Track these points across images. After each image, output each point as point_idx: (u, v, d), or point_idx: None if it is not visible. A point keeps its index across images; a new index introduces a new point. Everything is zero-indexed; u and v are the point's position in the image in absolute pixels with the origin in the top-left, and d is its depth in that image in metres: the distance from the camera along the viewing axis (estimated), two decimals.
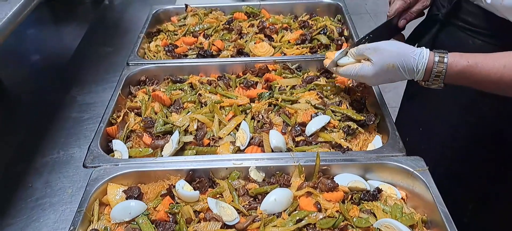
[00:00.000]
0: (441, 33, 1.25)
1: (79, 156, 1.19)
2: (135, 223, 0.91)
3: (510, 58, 0.94)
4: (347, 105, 1.20)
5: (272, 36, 1.56)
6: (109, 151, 1.14)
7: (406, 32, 1.31)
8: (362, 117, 1.15)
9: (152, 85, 1.37)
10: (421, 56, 1.00)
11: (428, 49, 1.01)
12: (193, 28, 1.63)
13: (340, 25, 1.61)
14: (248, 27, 1.62)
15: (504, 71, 0.93)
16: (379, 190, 0.99)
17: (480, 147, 1.27)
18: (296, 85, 1.30)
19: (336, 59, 1.14)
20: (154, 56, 1.52)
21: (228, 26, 1.62)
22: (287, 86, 1.30)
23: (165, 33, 1.64)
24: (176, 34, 1.62)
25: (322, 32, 1.53)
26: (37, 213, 1.03)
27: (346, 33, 1.57)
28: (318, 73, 1.36)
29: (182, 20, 1.72)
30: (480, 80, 0.97)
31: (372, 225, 0.89)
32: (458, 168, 1.30)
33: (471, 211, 1.35)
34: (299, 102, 1.22)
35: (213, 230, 0.89)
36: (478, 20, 1.12)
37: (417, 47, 1.03)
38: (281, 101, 1.21)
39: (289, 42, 1.52)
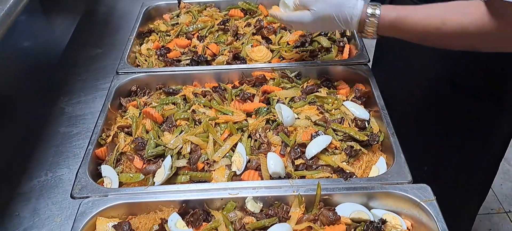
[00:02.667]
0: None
1: (68, 178, 1.13)
2: None
3: (435, 10, 1.01)
4: (349, 122, 1.14)
5: (270, 37, 1.47)
6: (98, 174, 1.08)
7: None
8: (366, 137, 1.09)
9: (143, 96, 1.30)
10: (355, 8, 1.08)
11: (362, 1, 1.09)
12: (187, 28, 1.55)
13: None
14: (244, 27, 1.54)
15: (429, 21, 1.00)
16: (383, 221, 0.93)
17: (431, 111, 1.34)
18: (295, 97, 1.23)
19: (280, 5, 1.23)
20: (146, 61, 1.44)
21: (223, 26, 1.53)
22: (285, 98, 1.22)
23: (157, 34, 1.56)
24: (169, 35, 1.54)
25: (322, 34, 1.44)
26: None
27: (348, 33, 1.49)
28: (319, 82, 1.28)
29: (175, 18, 1.63)
30: (408, 31, 1.04)
31: None
32: (414, 130, 1.33)
33: (426, 172, 1.33)
34: (298, 119, 1.15)
35: None
36: None
37: None
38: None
39: (288, 44, 1.44)
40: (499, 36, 0.93)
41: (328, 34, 1.45)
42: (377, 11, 1.06)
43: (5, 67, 1.55)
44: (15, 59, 1.63)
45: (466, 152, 1.37)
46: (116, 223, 0.94)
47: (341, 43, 1.43)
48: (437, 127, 1.36)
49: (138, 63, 1.45)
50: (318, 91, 1.24)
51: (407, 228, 0.95)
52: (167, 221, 0.93)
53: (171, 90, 1.28)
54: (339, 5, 1.09)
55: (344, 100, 1.21)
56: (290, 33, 1.48)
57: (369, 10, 1.06)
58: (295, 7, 1.18)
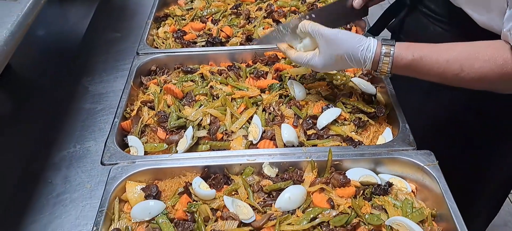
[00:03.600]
0: (408, 17, 1.27)
1: (95, 150, 1.21)
2: (155, 222, 0.95)
3: (453, 53, 0.97)
4: (358, 96, 1.22)
5: (280, 20, 1.55)
6: (124, 145, 1.17)
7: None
8: (373, 109, 1.17)
9: (162, 75, 1.38)
10: (368, 49, 1.03)
11: (376, 40, 1.04)
12: (201, 12, 1.63)
13: None
14: (256, 11, 1.61)
15: (446, 66, 0.97)
16: (390, 184, 1.02)
17: (450, 128, 1.31)
18: (306, 74, 1.31)
19: (287, 41, 1.17)
20: (163, 43, 1.52)
21: (235, 10, 1.61)
22: (297, 75, 1.30)
23: (173, 18, 1.64)
24: (184, 19, 1.62)
25: None
26: (59, 210, 1.06)
27: None
28: None
29: (189, 3, 1.71)
30: (424, 73, 1.01)
31: (383, 222, 0.93)
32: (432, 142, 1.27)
33: None
34: (309, 94, 1.23)
35: (230, 229, 0.92)
36: (438, 7, 1.16)
37: (370, 34, 1.10)
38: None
39: None
40: None
41: None
42: (392, 52, 1.01)
43: (28, 54, 1.64)
44: (36, 47, 1.71)
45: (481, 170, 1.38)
46: (144, 186, 1.02)
47: (348, 25, 1.51)
48: (454, 143, 1.34)
49: (156, 45, 1.53)
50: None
51: (412, 190, 1.03)
52: (191, 184, 1.01)
53: (189, 69, 1.37)
54: (351, 48, 1.03)
55: (352, 77, 1.28)
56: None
57: (384, 50, 1.02)
58: (304, 48, 1.13)
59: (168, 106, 1.23)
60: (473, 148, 1.34)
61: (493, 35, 0.99)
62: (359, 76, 1.29)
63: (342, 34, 1.06)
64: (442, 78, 0.99)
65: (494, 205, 1.61)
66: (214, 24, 1.56)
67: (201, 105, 1.22)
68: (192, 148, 1.12)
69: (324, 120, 1.13)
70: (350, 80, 1.27)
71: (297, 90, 1.22)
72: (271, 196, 1.00)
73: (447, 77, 0.98)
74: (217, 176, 1.04)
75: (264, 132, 1.14)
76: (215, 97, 1.24)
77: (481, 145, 1.33)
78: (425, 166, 1.01)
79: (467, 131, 1.31)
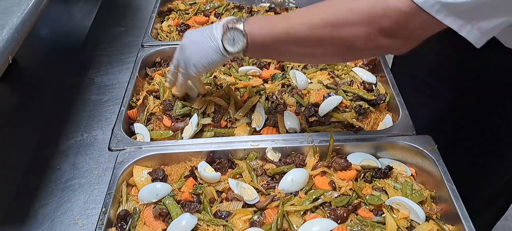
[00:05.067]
0: None
1: (102, 138, 1.24)
2: (162, 203, 0.97)
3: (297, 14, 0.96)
4: (358, 85, 1.25)
5: (283, 13, 1.58)
6: (131, 133, 1.20)
7: None
8: (373, 96, 1.20)
9: (167, 67, 1.41)
10: (216, 29, 1.01)
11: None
12: (204, 6, 1.66)
13: None
14: (258, 5, 1.65)
15: (307, 10, 0.93)
16: (390, 168, 1.04)
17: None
18: (307, 64, 1.34)
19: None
20: (167, 36, 1.55)
21: (238, 4, 1.64)
22: (299, 66, 1.33)
23: (177, 12, 1.67)
24: (187, 13, 1.65)
25: None
26: (68, 194, 1.09)
27: None
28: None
29: None
30: (281, 28, 0.95)
31: (384, 202, 0.95)
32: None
33: None
34: (311, 83, 1.26)
35: (235, 209, 0.95)
36: None
37: None
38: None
39: None
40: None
41: None
42: (240, 26, 0.97)
43: (34, 50, 1.67)
44: (42, 44, 1.75)
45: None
46: (151, 170, 1.05)
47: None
48: (454, 134, 1.34)
49: (160, 38, 1.56)
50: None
51: (412, 174, 1.06)
52: (196, 167, 1.04)
53: None
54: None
55: (353, 67, 1.31)
56: None
57: (233, 23, 0.98)
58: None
59: (173, 96, 1.26)
60: (474, 140, 1.36)
61: None
62: (359, 66, 1.32)
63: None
64: (302, 25, 0.92)
65: (501, 205, 1.62)
66: (217, 18, 1.60)
67: (205, 94, 1.25)
68: (197, 135, 1.15)
69: (325, 107, 1.16)
70: (351, 70, 1.29)
71: (299, 80, 1.24)
72: (274, 179, 1.03)
73: (291, 37, 0.93)
74: (221, 161, 1.07)
75: (267, 119, 1.17)
76: (219, 87, 1.27)
77: (483, 139, 1.34)
78: (424, 150, 1.04)
79: (464, 124, 1.33)
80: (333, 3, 0.91)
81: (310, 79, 1.28)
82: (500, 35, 0.98)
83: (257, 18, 1.05)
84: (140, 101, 1.25)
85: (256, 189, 0.99)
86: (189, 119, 1.16)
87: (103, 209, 0.97)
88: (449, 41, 0.98)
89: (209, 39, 1.02)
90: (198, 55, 1.05)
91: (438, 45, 1.19)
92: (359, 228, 0.91)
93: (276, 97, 1.23)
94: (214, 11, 1.63)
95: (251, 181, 1.02)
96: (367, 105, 1.18)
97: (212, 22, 1.58)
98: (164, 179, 1.03)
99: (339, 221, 0.92)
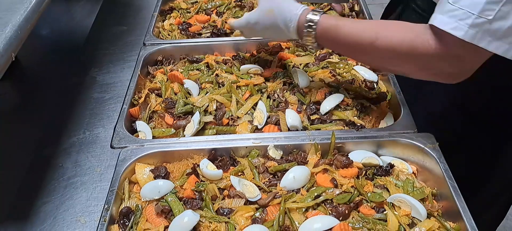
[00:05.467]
0: (404, 14, 1.29)
1: (104, 136, 1.24)
2: (164, 200, 0.98)
3: (371, 23, 1.01)
4: (360, 83, 1.25)
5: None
6: (133, 131, 1.20)
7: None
8: (375, 95, 1.20)
9: (169, 65, 1.41)
10: (297, 8, 1.08)
11: (306, 6, 1.09)
12: (205, 5, 1.66)
13: (351, 0, 1.64)
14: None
15: (363, 32, 1.00)
16: (391, 166, 1.05)
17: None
18: (309, 63, 1.34)
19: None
20: (169, 35, 1.56)
21: (239, 2, 1.65)
22: (300, 64, 1.34)
23: (178, 11, 1.67)
24: (189, 12, 1.65)
25: (332, 8, 1.55)
26: (70, 192, 1.09)
27: (356, 8, 1.60)
28: (331, 50, 1.39)
29: None
30: (344, 40, 1.03)
31: (385, 199, 0.96)
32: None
33: None
34: (313, 81, 1.26)
35: (237, 206, 0.96)
36: (423, 3, 1.19)
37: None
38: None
39: None
40: (428, 62, 0.93)
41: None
42: (316, 18, 1.05)
43: (36, 50, 1.68)
44: (43, 43, 1.75)
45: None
46: (153, 168, 1.05)
47: (350, 17, 1.54)
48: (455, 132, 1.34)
49: (161, 37, 1.56)
50: (331, 58, 1.34)
51: (413, 172, 1.06)
52: (198, 165, 1.04)
53: (194, 58, 1.40)
54: (282, 3, 1.10)
55: (354, 65, 1.32)
56: None
57: (309, 16, 1.06)
58: None
59: (175, 94, 1.27)
60: (474, 139, 1.36)
61: None
62: (361, 64, 1.33)
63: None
64: (359, 46, 1.01)
65: (502, 205, 1.61)
66: (218, 17, 1.60)
67: (207, 92, 1.25)
68: (199, 133, 1.15)
69: (327, 105, 1.17)
70: (353, 68, 1.30)
71: (300, 78, 1.25)
72: (276, 176, 1.04)
73: (363, 44, 1.00)
74: (223, 158, 1.07)
75: (268, 117, 1.17)
76: (220, 85, 1.28)
77: (484, 138, 1.34)
78: (425, 148, 1.04)
79: (465, 123, 1.33)
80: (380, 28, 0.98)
81: (311, 77, 1.28)
82: None
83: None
84: (142, 99, 1.25)
85: (258, 186, 1.00)
86: (191, 117, 1.17)
87: (106, 206, 0.97)
88: None
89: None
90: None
91: None
92: (361, 225, 0.91)
93: (278, 95, 1.23)
94: (215, 10, 1.64)
95: (253, 178, 1.02)
96: (368, 103, 1.18)
97: (213, 21, 1.59)
98: (166, 176, 1.03)
99: (340, 218, 0.92)
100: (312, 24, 1.05)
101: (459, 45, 0.85)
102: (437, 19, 0.87)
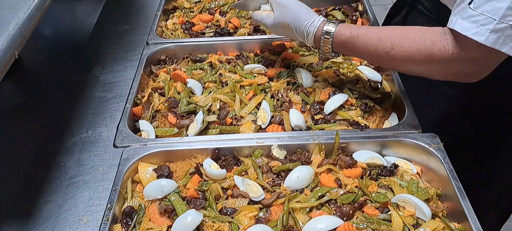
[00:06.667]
0: (409, 16, 1.29)
1: (106, 135, 1.24)
2: (167, 200, 0.97)
3: (387, 32, 1.01)
4: (364, 83, 1.24)
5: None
6: (136, 130, 1.19)
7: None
8: (379, 95, 1.19)
9: (172, 64, 1.41)
10: (312, 24, 1.10)
11: (321, 17, 1.12)
12: (209, 4, 1.66)
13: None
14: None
15: (379, 43, 1.02)
16: (395, 166, 1.04)
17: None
18: (313, 63, 1.34)
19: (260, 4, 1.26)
20: (172, 34, 1.56)
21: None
22: (304, 64, 1.33)
23: (181, 11, 1.67)
24: (192, 11, 1.65)
25: (337, 8, 1.54)
26: (72, 191, 1.09)
27: (360, 8, 1.59)
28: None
29: None
30: (360, 50, 1.06)
31: (390, 200, 0.95)
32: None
33: None
34: (317, 81, 1.25)
35: (241, 206, 0.95)
36: (430, 5, 1.19)
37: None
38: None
39: None
40: (446, 66, 0.95)
41: (342, 9, 1.55)
42: (332, 29, 1.08)
43: (38, 49, 1.67)
44: (46, 42, 1.74)
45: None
46: (156, 167, 1.05)
47: (354, 17, 1.54)
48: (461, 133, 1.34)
49: (165, 36, 1.56)
50: (335, 57, 1.34)
51: (417, 172, 1.05)
52: (202, 164, 1.04)
53: (198, 58, 1.40)
54: (298, 18, 1.12)
55: (358, 65, 1.31)
56: None
57: (326, 28, 1.09)
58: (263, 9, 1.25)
59: (178, 93, 1.26)
60: (479, 140, 1.35)
61: None
62: (365, 64, 1.32)
63: (294, 4, 1.14)
64: (375, 55, 1.04)
65: (506, 206, 1.60)
66: (222, 16, 1.59)
67: (210, 92, 1.25)
68: (202, 133, 1.15)
69: (331, 105, 1.16)
70: (356, 68, 1.29)
71: (304, 78, 1.24)
72: (280, 176, 1.03)
73: (380, 55, 1.02)
74: (227, 158, 1.06)
75: (272, 117, 1.16)
76: (224, 84, 1.27)
77: (488, 139, 1.33)
78: (430, 148, 1.04)
79: (469, 124, 1.32)
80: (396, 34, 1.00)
81: (315, 77, 1.27)
82: None
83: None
84: (145, 98, 1.25)
85: (262, 186, 0.99)
86: (194, 116, 1.16)
87: (109, 206, 0.97)
88: None
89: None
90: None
91: None
92: (365, 225, 0.91)
93: (282, 95, 1.23)
94: (218, 9, 1.63)
95: (257, 178, 1.02)
96: (372, 103, 1.18)
97: (217, 20, 1.58)
98: (169, 175, 1.03)
99: (345, 218, 0.91)
100: (328, 36, 1.09)
101: (479, 49, 0.87)
102: (458, 24, 0.88)
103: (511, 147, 1.33)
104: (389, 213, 0.93)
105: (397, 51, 0.99)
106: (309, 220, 0.92)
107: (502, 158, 1.37)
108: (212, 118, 1.16)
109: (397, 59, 1.00)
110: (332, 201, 0.96)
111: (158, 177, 1.02)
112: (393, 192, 0.98)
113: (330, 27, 1.08)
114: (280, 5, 1.15)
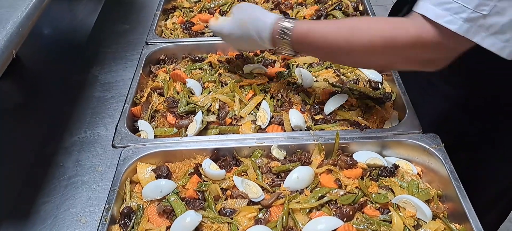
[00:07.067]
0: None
1: (105, 135, 1.23)
2: (166, 200, 0.97)
3: (346, 21, 1.01)
4: (364, 83, 1.24)
5: (288, 12, 1.57)
6: (134, 130, 1.19)
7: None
8: (379, 95, 1.19)
9: (171, 64, 1.40)
10: (268, 17, 1.08)
11: (279, 15, 1.09)
12: (209, 4, 1.65)
13: (355, 0, 1.62)
14: (263, 3, 1.64)
15: (338, 32, 0.98)
16: (396, 166, 1.03)
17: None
18: (313, 63, 1.33)
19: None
20: (171, 34, 1.55)
21: (243, 0, 1.64)
22: (304, 64, 1.32)
23: (181, 10, 1.66)
24: (192, 11, 1.64)
25: (337, 8, 1.54)
26: (71, 191, 1.08)
27: (361, 8, 1.58)
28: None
29: None
30: (320, 44, 1.02)
31: (390, 200, 0.94)
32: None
33: None
34: (317, 81, 1.25)
35: (240, 207, 0.94)
36: None
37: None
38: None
39: (304, 18, 1.54)
40: (409, 53, 0.92)
41: (342, 9, 1.55)
42: (290, 25, 1.04)
43: (37, 48, 1.66)
44: (45, 42, 1.73)
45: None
46: (155, 167, 1.04)
47: (354, 17, 1.53)
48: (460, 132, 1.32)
49: (164, 36, 1.55)
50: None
51: (418, 173, 1.05)
52: (201, 165, 1.03)
53: (197, 58, 1.39)
54: (255, 14, 1.11)
55: None
56: (306, 8, 1.58)
57: (282, 24, 1.05)
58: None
59: (177, 93, 1.26)
60: (479, 140, 1.35)
61: None
62: None
63: (257, 6, 1.16)
64: (336, 46, 0.99)
65: (505, 206, 1.59)
66: (221, 16, 1.58)
67: (210, 91, 1.24)
68: (202, 133, 1.14)
69: (331, 105, 1.15)
70: (357, 68, 1.28)
71: (304, 78, 1.24)
72: (279, 177, 1.02)
73: (340, 45, 0.98)
74: (226, 158, 1.06)
75: (272, 117, 1.16)
76: (223, 84, 1.26)
77: (488, 139, 1.32)
78: (430, 148, 1.03)
79: (469, 124, 1.31)
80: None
81: (315, 77, 1.27)
82: None
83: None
84: (144, 98, 1.24)
85: (261, 186, 0.99)
86: (194, 116, 1.16)
87: (107, 206, 0.96)
88: None
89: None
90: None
91: None
92: (365, 226, 0.90)
93: (282, 95, 1.22)
94: (218, 9, 1.63)
95: (256, 178, 1.01)
96: (373, 104, 1.17)
97: None
98: (168, 176, 1.02)
99: (345, 219, 0.91)
100: (286, 31, 1.04)
101: (450, 37, 0.84)
102: (429, 10, 0.85)
103: (510, 146, 1.32)
104: (389, 214, 0.93)
105: (357, 39, 0.95)
106: (309, 221, 0.91)
107: (501, 157, 1.36)
108: (212, 118, 1.16)
109: (358, 46, 0.95)
110: (332, 202, 0.95)
111: (157, 177, 1.02)
112: (393, 192, 0.97)
113: (287, 24, 1.05)
114: (239, 6, 1.16)
